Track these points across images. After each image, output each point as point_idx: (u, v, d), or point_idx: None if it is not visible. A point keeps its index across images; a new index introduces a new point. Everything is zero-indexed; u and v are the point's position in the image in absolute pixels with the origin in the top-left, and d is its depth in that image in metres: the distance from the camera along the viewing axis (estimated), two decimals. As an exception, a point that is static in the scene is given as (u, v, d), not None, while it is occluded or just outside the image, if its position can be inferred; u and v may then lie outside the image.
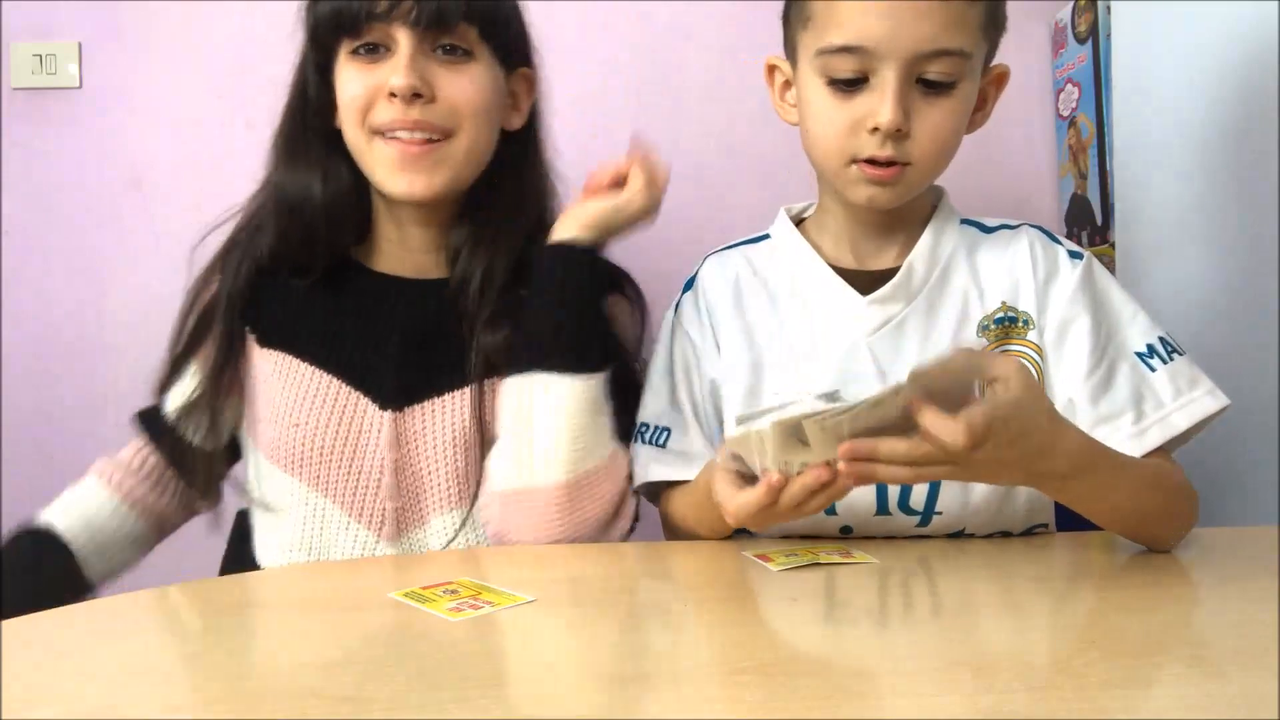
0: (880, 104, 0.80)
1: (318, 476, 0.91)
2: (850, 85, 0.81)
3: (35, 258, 1.40)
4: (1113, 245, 1.25)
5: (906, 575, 0.73)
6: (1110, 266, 1.22)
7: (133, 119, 1.40)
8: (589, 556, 0.83)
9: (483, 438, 0.92)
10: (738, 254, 0.97)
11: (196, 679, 0.52)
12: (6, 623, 0.58)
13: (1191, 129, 1.12)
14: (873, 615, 0.63)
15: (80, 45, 1.39)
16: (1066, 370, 0.85)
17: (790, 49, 0.89)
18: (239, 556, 0.97)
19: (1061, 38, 1.37)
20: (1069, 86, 1.36)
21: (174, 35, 1.39)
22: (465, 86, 0.91)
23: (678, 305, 0.98)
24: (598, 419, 0.89)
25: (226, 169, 1.33)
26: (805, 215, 0.97)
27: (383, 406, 0.92)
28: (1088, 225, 1.32)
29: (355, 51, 0.90)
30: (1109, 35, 1.25)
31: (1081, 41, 1.32)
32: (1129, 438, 0.81)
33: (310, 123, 0.95)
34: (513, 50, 0.96)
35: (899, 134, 0.81)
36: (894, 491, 0.83)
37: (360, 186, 0.96)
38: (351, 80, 0.91)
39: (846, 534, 0.86)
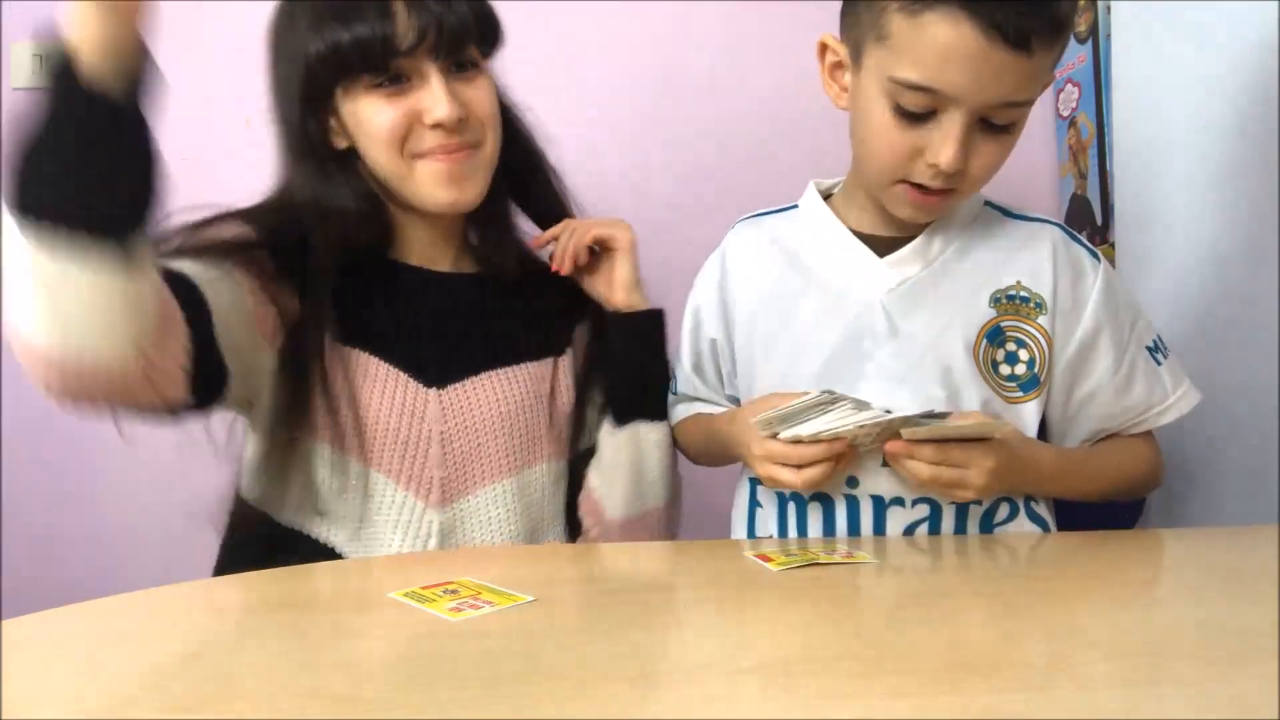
0: (943, 144, 0.80)
1: (361, 447, 0.93)
2: (916, 117, 0.81)
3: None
4: (1113, 245, 1.25)
5: (906, 575, 0.73)
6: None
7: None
8: (589, 556, 0.83)
9: (554, 408, 1.02)
10: (766, 221, 1.02)
11: (196, 679, 0.52)
12: (6, 622, 0.58)
13: (1191, 129, 1.12)
14: (872, 615, 0.63)
15: (80, 45, 1.39)
16: (1098, 371, 0.90)
17: (853, 45, 0.86)
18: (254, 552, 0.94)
19: (1061, 38, 1.37)
20: (1069, 86, 1.36)
21: (173, 35, 1.39)
22: (482, 98, 0.95)
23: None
24: (675, 450, 1.06)
25: (226, 168, 1.33)
26: (833, 190, 0.99)
27: (427, 384, 0.95)
28: (1088, 225, 1.32)
29: (378, 84, 0.91)
30: (1109, 35, 1.25)
31: (1081, 41, 1.32)
32: (1133, 426, 0.93)
33: (316, 152, 0.95)
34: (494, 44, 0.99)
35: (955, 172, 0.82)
36: None
37: (375, 194, 0.97)
38: (382, 111, 0.91)
39: (853, 485, 0.88)
